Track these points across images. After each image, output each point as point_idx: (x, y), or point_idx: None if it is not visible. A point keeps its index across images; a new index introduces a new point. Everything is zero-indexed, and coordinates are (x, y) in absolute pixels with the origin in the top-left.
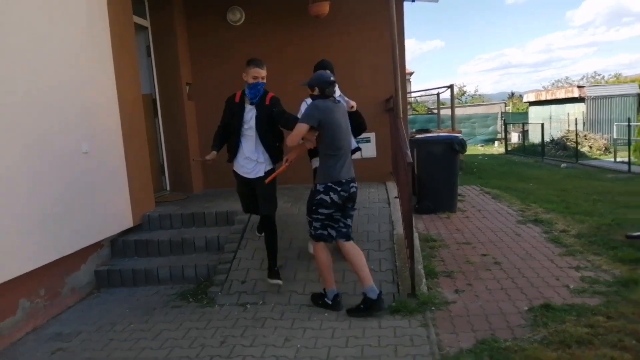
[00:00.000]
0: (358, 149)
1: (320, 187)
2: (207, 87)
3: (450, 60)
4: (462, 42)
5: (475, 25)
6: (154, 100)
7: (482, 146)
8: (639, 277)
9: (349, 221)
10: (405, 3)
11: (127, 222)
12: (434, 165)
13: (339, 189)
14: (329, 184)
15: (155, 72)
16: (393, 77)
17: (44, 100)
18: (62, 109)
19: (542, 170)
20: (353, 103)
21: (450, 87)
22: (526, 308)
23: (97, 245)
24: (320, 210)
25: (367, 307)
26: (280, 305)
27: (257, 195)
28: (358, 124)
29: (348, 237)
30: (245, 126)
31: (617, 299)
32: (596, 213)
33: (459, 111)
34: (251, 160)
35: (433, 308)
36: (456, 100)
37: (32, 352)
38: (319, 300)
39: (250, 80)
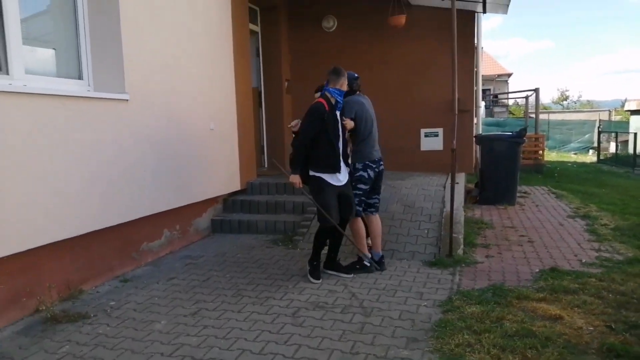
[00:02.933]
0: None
1: (359, 166)
2: (302, 84)
3: (562, 61)
4: (576, 42)
5: (591, 25)
6: (260, 93)
7: (575, 154)
8: None
9: (379, 196)
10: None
11: (236, 186)
12: (496, 161)
13: (374, 166)
14: (367, 162)
15: (262, 69)
16: (462, 79)
17: (190, 90)
18: (199, 96)
19: (627, 180)
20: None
21: (536, 90)
22: (537, 270)
23: (214, 201)
24: (360, 186)
25: (370, 267)
26: (344, 253)
27: (343, 199)
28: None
29: (377, 210)
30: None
31: (616, 270)
32: None
33: (556, 117)
34: (344, 167)
35: (463, 265)
36: (557, 106)
37: (172, 264)
38: (356, 265)
39: (346, 88)
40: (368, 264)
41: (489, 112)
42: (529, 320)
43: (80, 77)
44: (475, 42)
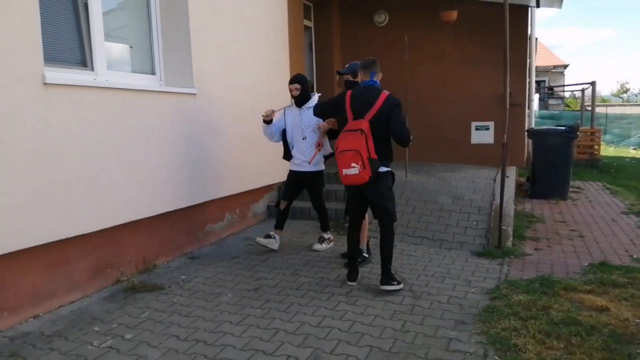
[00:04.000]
0: (332, 154)
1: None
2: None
3: (623, 51)
4: (639, 31)
5: None
6: (312, 86)
7: (634, 149)
8: None
9: None
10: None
11: None
12: (548, 155)
13: None
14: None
15: (314, 63)
16: (513, 73)
17: (250, 84)
18: (258, 89)
19: None
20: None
21: (592, 83)
22: (586, 264)
23: (269, 188)
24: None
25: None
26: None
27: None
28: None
29: None
30: None
31: None
32: None
33: (615, 110)
34: None
35: (512, 256)
36: (617, 99)
37: (234, 244)
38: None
39: None
40: (367, 255)
41: (544, 104)
42: (575, 310)
43: (153, 73)
44: (529, 32)
